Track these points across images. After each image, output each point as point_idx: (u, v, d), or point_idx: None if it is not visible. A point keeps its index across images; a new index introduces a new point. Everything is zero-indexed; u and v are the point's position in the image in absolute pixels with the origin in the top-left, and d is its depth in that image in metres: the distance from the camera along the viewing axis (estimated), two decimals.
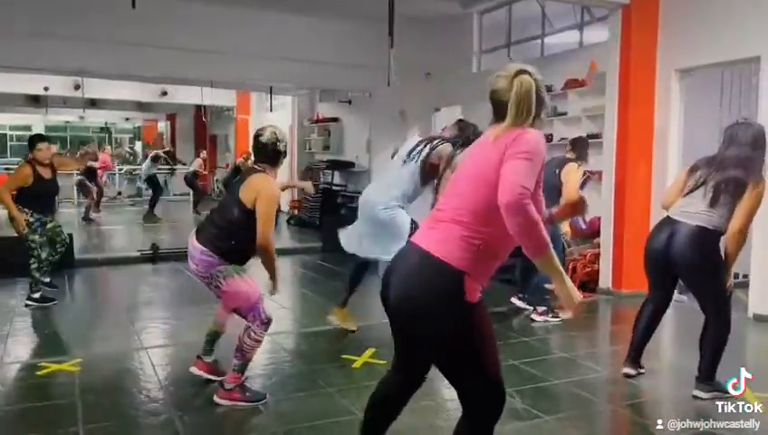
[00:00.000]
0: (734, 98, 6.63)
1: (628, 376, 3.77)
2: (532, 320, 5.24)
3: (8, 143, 26.36)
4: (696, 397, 3.45)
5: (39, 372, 3.91)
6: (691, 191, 3.49)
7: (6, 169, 16.95)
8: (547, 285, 5.34)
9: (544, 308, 5.24)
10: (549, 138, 7.31)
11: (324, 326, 5.00)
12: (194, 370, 3.66)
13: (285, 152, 3.56)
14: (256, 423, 3.28)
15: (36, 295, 5.58)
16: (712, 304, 3.48)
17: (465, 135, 4.55)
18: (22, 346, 4.62)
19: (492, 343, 2.08)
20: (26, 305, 5.53)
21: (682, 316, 5.26)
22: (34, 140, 5.67)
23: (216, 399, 3.42)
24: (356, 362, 4.08)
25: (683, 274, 3.60)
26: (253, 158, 3.63)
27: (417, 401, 3.47)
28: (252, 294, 3.42)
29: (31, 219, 5.46)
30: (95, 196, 12.76)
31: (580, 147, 5.44)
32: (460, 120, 4.94)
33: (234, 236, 3.38)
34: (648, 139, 6.15)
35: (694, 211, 3.44)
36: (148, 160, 13.76)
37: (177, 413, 3.29)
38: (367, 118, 10.08)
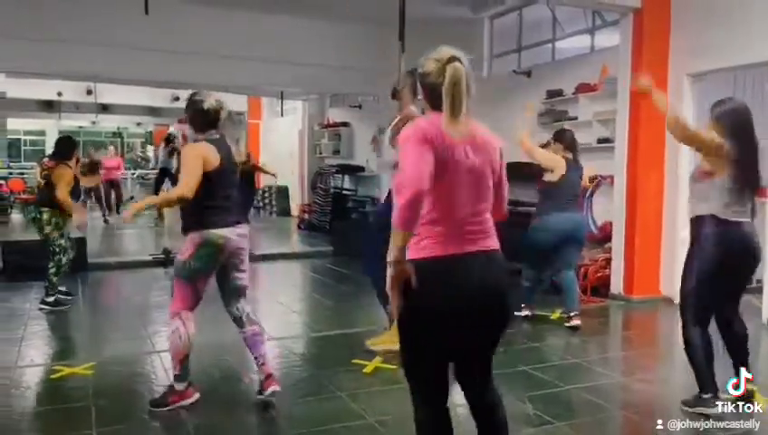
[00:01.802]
0: (747, 103, 6.58)
1: None
2: (576, 327, 5.10)
3: (22, 148, 26.63)
4: None
5: (53, 376, 3.95)
6: None
7: (20, 173, 17.15)
8: (576, 288, 5.34)
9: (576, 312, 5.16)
10: None
11: (335, 330, 5.01)
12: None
13: (212, 115, 3.40)
14: (268, 427, 3.30)
15: (51, 299, 5.63)
16: None
17: None
18: (35, 349, 4.66)
19: None
20: (40, 309, 5.58)
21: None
22: (72, 141, 5.91)
23: (274, 388, 3.41)
24: (367, 367, 4.08)
25: None
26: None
27: None
28: None
29: (60, 222, 5.55)
30: (107, 200, 12.88)
31: (563, 137, 5.38)
32: None
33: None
34: (660, 143, 6.12)
35: None
36: (164, 150, 13.13)
37: (188, 417, 3.31)
38: (377, 122, 10.08)
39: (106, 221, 12.36)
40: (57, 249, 5.58)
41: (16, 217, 13.83)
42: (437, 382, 2.18)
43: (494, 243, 2.11)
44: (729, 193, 3.18)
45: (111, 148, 16.10)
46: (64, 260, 5.66)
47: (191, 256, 3.28)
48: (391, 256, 1.93)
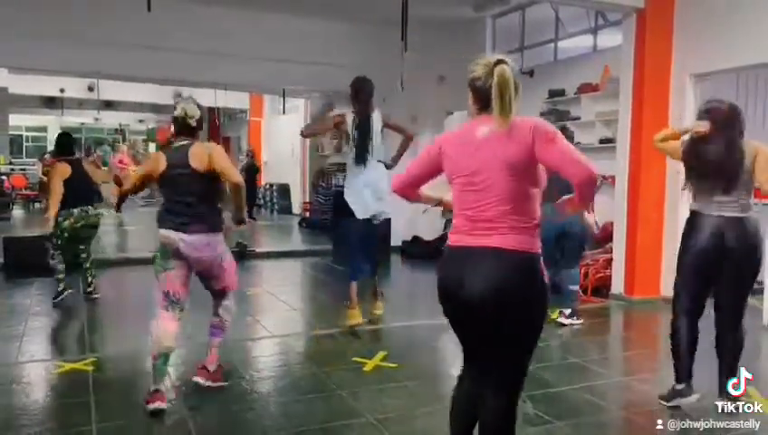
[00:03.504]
0: (749, 103, 6.58)
1: None
2: (561, 324, 5.21)
3: (24, 144, 26.64)
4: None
5: (53, 371, 3.96)
6: None
7: (22, 169, 17.17)
8: (572, 287, 5.34)
9: (570, 311, 5.23)
10: None
11: (335, 328, 5.01)
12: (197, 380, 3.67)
13: (196, 124, 3.49)
14: (267, 424, 3.29)
15: (91, 288, 5.89)
16: None
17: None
18: (36, 345, 4.66)
19: None
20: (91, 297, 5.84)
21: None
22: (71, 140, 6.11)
23: (198, 380, 3.59)
24: (367, 365, 4.09)
25: None
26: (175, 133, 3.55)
27: (428, 404, 3.48)
28: (234, 270, 3.68)
29: None
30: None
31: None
32: None
33: (213, 206, 3.46)
34: None
35: None
36: None
37: (188, 413, 3.31)
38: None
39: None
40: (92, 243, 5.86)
41: (18, 213, 13.86)
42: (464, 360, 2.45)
43: (500, 241, 2.08)
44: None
45: (124, 146, 16.10)
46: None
47: (155, 254, 3.48)
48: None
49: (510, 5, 8.18)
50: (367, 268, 5.35)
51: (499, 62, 2.10)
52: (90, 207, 5.61)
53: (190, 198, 3.33)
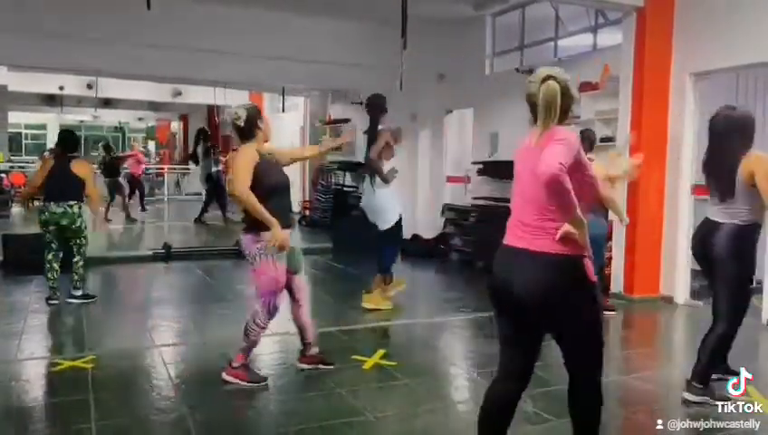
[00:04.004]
0: (749, 102, 6.58)
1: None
2: None
3: (23, 142, 26.62)
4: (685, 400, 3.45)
5: (53, 369, 3.96)
6: None
7: (21, 167, 17.15)
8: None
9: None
10: None
11: (334, 327, 5.01)
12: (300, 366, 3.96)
13: (246, 126, 3.65)
14: (267, 422, 3.30)
15: (79, 293, 5.71)
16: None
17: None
18: (35, 343, 4.66)
19: None
20: (68, 302, 5.66)
21: (695, 321, 5.22)
22: (77, 136, 6.10)
23: (223, 375, 3.64)
24: (366, 363, 4.09)
25: None
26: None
27: (427, 402, 3.49)
28: (270, 282, 3.60)
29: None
30: (128, 196, 12.69)
31: (586, 138, 5.49)
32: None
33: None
34: (662, 142, 6.11)
35: None
36: (201, 155, 12.34)
37: (188, 411, 3.31)
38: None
39: (128, 217, 12.13)
40: (85, 242, 5.68)
41: (17, 210, 13.84)
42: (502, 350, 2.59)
43: (541, 244, 2.25)
44: None
45: (136, 144, 16.05)
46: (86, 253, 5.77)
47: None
48: None
49: (510, 4, 8.16)
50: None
51: (547, 77, 2.26)
52: (66, 204, 5.49)
53: None
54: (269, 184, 3.56)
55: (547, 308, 2.29)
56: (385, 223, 5.66)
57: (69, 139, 5.94)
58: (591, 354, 2.51)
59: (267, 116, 3.92)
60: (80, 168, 5.63)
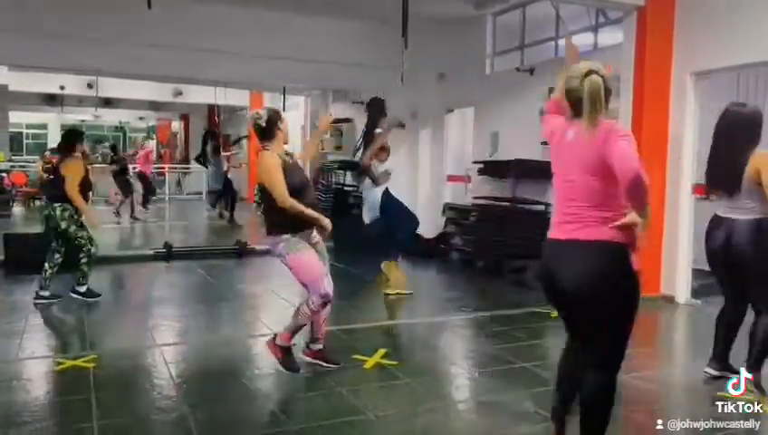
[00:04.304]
0: (750, 101, 6.57)
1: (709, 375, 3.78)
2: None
3: (24, 141, 26.62)
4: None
5: (54, 368, 3.96)
6: None
7: (22, 166, 17.17)
8: None
9: None
10: None
11: (335, 326, 5.01)
12: (303, 358, 3.99)
13: (267, 127, 3.81)
14: (267, 421, 3.30)
15: (83, 289, 5.68)
16: None
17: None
18: (37, 342, 4.66)
19: None
20: (71, 296, 5.66)
21: (696, 320, 5.22)
22: (81, 134, 5.95)
23: (267, 342, 3.86)
24: (367, 363, 4.09)
25: None
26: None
27: (428, 402, 3.49)
28: (307, 270, 3.74)
29: (75, 215, 5.55)
30: (139, 196, 12.68)
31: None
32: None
33: (273, 209, 3.71)
34: (663, 142, 6.11)
35: None
36: (210, 154, 12.25)
37: (189, 410, 3.32)
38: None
39: (132, 217, 12.13)
40: (83, 241, 5.61)
41: (18, 210, 13.86)
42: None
43: (586, 234, 2.38)
44: None
45: (146, 143, 15.99)
46: (93, 250, 5.69)
47: None
48: None
49: (510, 3, 8.15)
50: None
51: (590, 72, 2.35)
52: (51, 206, 5.52)
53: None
54: (293, 185, 3.69)
55: (593, 295, 2.40)
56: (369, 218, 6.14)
57: (64, 138, 5.93)
58: (618, 350, 2.57)
59: (286, 118, 3.98)
60: (66, 168, 5.55)
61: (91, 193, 5.94)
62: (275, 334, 3.84)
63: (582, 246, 2.38)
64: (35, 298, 5.62)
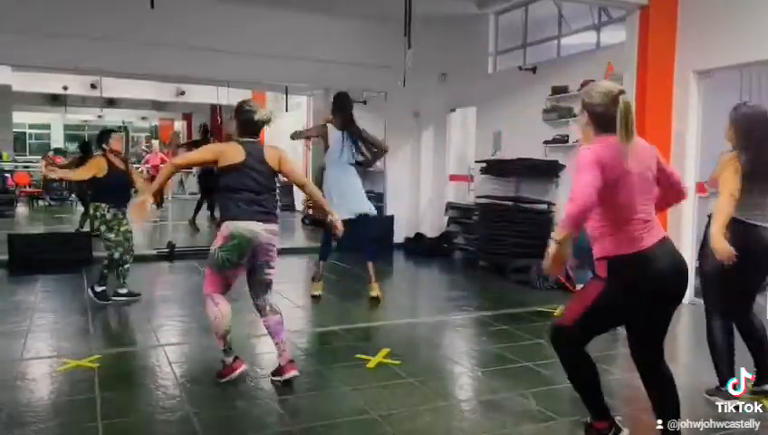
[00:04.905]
0: (753, 99, 6.56)
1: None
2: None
3: (27, 141, 26.68)
4: None
5: (58, 368, 3.98)
6: None
7: (26, 166, 17.21)
8: None
9: None
10: (565, 139, 7.29)
11: (338, 326, 5.03)
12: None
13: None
14: (272, 421, 3.31)
15: (99, 289, 5.69)
16: None
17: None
18: (41, 342, 4.68)
19: None
20: (93, 296, 5.68)
21: (699, 321, 5.20)
22: (107, 132, 5.94)
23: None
24: (370, 362, 4.10)
25: None
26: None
27: (431, 401, 3.50)
28: None
29: (108, 216, 5.57)
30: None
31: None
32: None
33: (275, 201, 3.73)
34: (666, 141, 6.10)
35: None
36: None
37: (193, 410, 3.33)
38: (382, 118, 10.10)
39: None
40: (109, 243, 5.64)
41: (22, 210, 13.90)
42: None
43: (662, 232, 2.64)
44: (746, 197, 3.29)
45: (155, 142, 15.98)
46: (116, 255, 5.66)
47: (219, 247, 3.56)
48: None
49: (513, 2, 8.17)
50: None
51: (621, 92, 2.53)
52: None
53: (269, 192, 3.68)
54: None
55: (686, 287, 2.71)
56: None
57: (94, 139, 6.08)
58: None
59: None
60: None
61: (132, 190, 5.91)
62: (290, 360, 3.77)
63: (671, 243, 2.66)
64: (113, 295, 5.73)
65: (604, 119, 2.53)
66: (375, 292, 5.96)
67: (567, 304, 2.85)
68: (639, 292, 2.58)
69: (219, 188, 3.65)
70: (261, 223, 3.58)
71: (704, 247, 3.44)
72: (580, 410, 3.44)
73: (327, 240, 6.16)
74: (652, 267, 2.55)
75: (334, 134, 6.04)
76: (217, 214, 11.56)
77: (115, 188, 5.59)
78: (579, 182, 2.44)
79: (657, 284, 2.57)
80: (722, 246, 3.17)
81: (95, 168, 5.56)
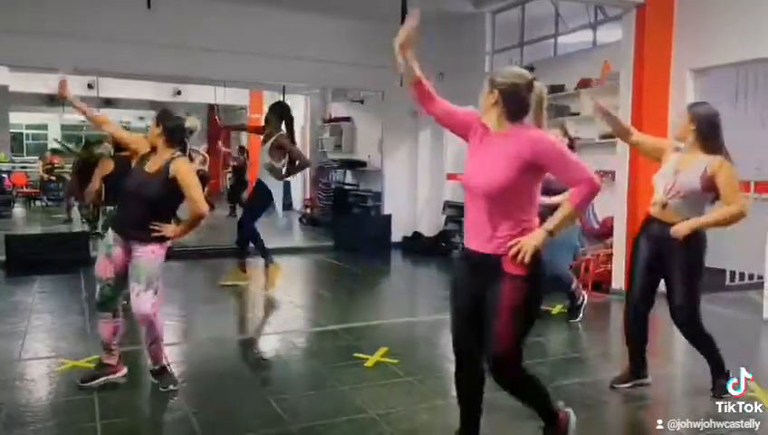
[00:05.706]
0: (749, 98, 6.59)
1: None
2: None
3: (24, 142, 26.63)
4: None
5: (56, 368, 3.98)
6: None
7: (23, 167, 17.19)
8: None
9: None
10: None
11: (336, 325, 5.03)
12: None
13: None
14: (271, 420, 3.31)
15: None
16: None
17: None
18: (39, 343, 4.68)
19: None
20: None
21: None
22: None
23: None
24: (368, 361, 4.10)
25: None
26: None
27: (429, 400, 3.50)
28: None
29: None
30: None
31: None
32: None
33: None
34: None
35: None
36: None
37: (191, 410, 3.33)
38: (379, 117, 10.11)
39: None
40: None
41: (19, 210, 13.87)
42: None
43: None
44: None
45: None
46: None
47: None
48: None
49: (510, 1, 8.18)
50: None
51: (534, 79, 2.47)
52: None
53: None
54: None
55: None
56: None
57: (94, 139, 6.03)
58: None
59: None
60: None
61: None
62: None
63: None
64: None
65: (516, 100, 2.43)
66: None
67: (495, 331, 2.68)
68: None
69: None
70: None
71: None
72: (578, 409, 3.46)
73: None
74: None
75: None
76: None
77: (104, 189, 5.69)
78: (579, 161, 2.40)
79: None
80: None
81: (106, 169, 5.59)
